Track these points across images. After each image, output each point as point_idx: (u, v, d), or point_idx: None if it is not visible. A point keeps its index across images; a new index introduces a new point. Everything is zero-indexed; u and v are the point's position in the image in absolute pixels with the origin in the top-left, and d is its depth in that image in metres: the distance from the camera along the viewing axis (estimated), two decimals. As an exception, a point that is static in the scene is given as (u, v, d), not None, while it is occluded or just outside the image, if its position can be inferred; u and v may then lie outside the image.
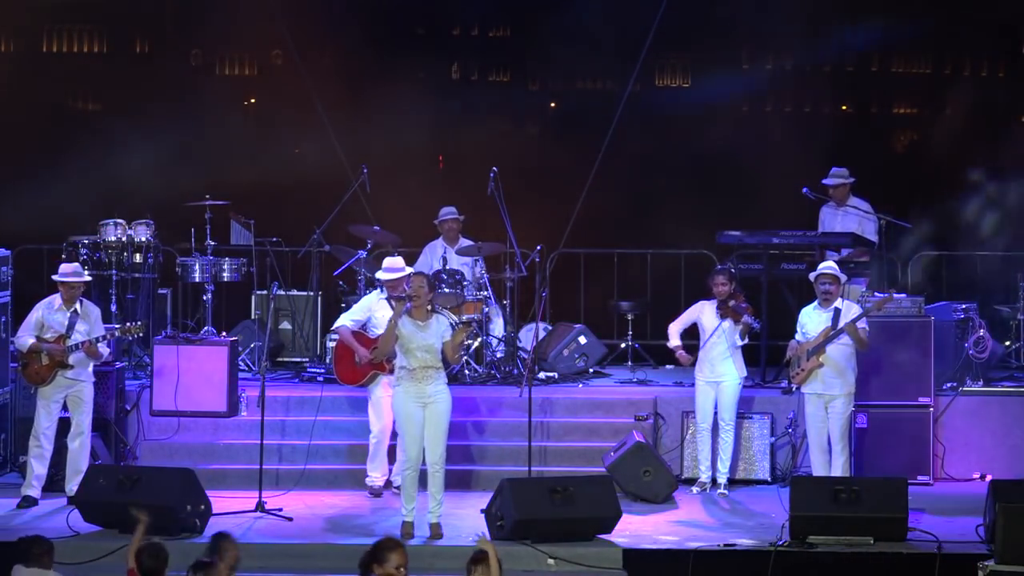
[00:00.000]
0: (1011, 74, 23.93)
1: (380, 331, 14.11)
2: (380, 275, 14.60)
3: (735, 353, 14.85)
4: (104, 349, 14.55)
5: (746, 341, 14.96)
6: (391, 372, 13.90)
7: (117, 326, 15.00)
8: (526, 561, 12.85)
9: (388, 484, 14.81)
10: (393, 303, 13.59)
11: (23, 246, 17.25)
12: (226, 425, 15.67)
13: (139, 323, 14.91)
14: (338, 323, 14.91)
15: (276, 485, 14.72)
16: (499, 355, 16.95)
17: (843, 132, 23.16)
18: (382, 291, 14.64)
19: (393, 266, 14.48)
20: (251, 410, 15.33)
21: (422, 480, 13.41)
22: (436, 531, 13.33)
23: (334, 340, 17.04)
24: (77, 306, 14.39)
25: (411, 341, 13.20)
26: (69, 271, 14.47)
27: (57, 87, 24.25)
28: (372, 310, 14.66)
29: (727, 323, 14.75)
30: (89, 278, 14.88)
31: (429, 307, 13.27)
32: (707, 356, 14.92)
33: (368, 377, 14.68)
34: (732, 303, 14.75)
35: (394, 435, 14.37)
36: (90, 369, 14.48)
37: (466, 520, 13.68)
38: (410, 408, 13.27)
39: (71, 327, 14.29)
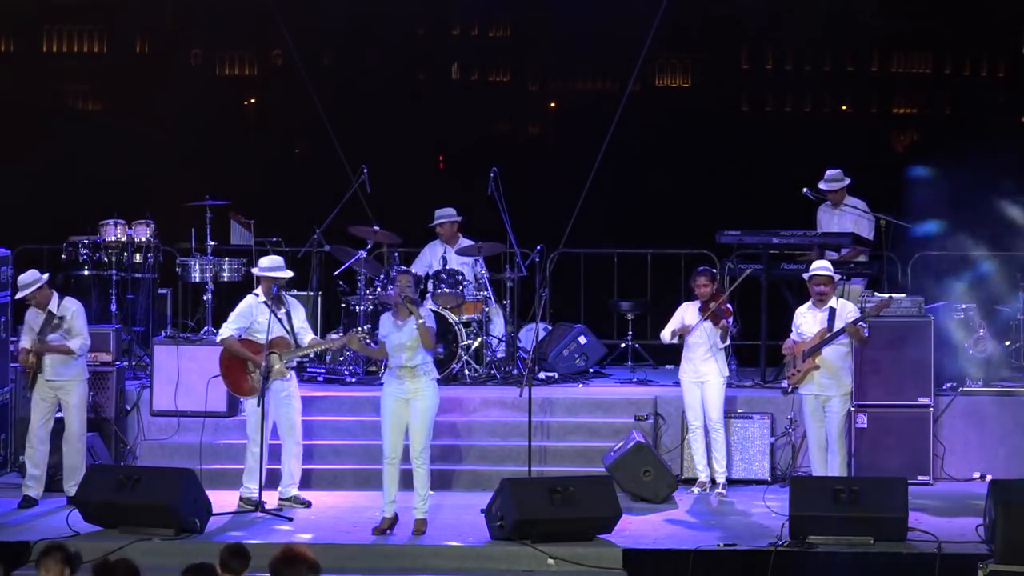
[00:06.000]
0: (1011, 74, 23.96)
1: (262, 336, 14.04)
2: (262, 273, 14.31)
3: (717, 353, 14.83)
4: (74, 344, 14.37)
5: (728, 343, 14.96)
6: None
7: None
8: (526, 561, 12.85)
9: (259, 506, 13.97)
10: (405, 305, 13.41)
11: (23, 246, 17.24)
12: (226, 425, 15.66)
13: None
14: (222, 334, 14.36)
15: (276, 485, 14.70)
16: (499, 355, 16.94)
17: (843, 132, 23.19)
18: (257, 294, 14.34)
19: (276, 264, 14.35)
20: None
21: (406, 478, 13.43)
22: (419, 527, 13.30)
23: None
24: (52, 307, 14.35)
25: (390, 340, 13.32)
26: (24, 281, 14.22)
27: (57, 87, 24.29)
28: (253, 315, 14.25)
29: (708, 323, 14.74)
30: (42, 277, 14.37)
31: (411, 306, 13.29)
32: (690, 356, 14.92)
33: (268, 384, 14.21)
34: (713, 305, 14.72)
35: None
36: (75, 369, 14.34)
37: (466, 520, 13.68)
38: (389, 403, 13.36)
39: (44, 329, 14.27)
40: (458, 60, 25.15)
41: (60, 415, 14.47)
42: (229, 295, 17.20)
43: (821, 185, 16.98)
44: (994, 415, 15.63)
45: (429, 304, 16.64)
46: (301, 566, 8.58)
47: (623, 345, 17.89)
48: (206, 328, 16.61)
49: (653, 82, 24.67)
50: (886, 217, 16.72)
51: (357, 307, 16.79)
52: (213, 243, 17.25)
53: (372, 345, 13.98)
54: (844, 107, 25.22)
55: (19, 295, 14.37)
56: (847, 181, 17.00)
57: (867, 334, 14.45)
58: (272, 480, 14.31)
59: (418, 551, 13.01)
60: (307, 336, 14.31)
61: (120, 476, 13.42)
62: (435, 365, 16.21)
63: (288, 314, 14.27)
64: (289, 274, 14.52)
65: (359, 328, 14.67)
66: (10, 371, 15.45)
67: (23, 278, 14.39)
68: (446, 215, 17.45)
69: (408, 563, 12.94)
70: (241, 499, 14.12)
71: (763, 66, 24.93)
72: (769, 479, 15.29)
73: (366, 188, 17.42)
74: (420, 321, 13.19)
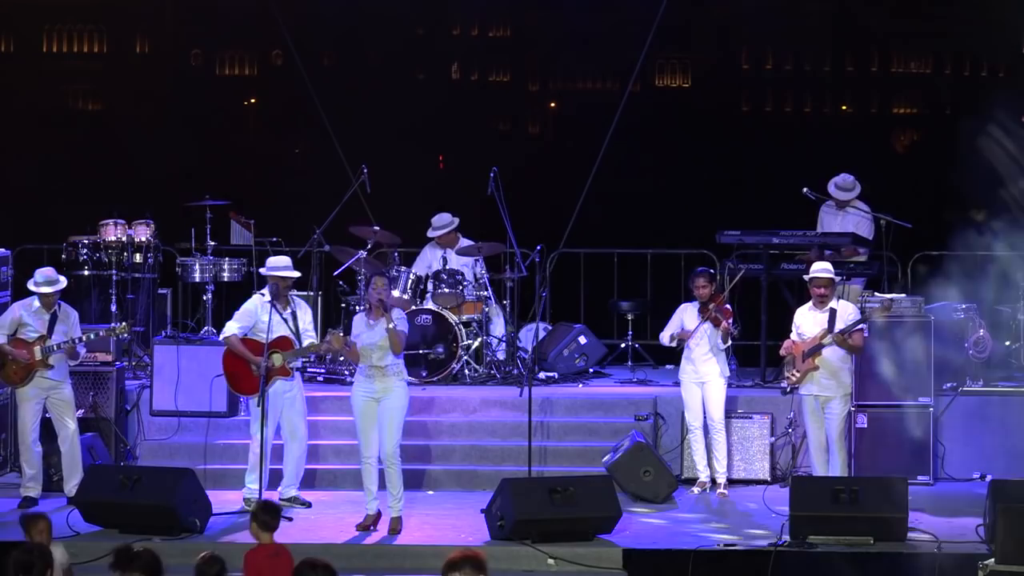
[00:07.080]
0: (1011, 74, 23.96)
1: (265, 336, 13.93)
2: (269, 272, 14.20)
3: (718, 354, 14.83)
4: (80, 349, 14.47)
5: (729, 344, 14.95)
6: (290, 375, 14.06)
7: (104, 327, 14.96)
8: (526, 561, 12.86)
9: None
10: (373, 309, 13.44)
11: (23, 246, 17.25)
12: (226, 425, 15.66)
13: (124, 323, 14.82)
14: (224, 333, 14.25)
15: (276, 485, 14.70)
16: (499, 355, 16.94)
17: (843, 132, 23.18)
18: (263, 293, 14.23)
19: (283, 264, 14.23)
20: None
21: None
22: (394, 525, 13.35)
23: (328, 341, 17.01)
24: (56, 308, 14.35)
25: (361, 340, 13.34)
26: (49, 278, 14.23)
27: (57, 87, 24.31)
28: (258, 314, 14.11)
29: (708, 325, 14.73)
30: (64, 282, 14.53)
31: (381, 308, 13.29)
32: (690, 357, 14.92)
33: (270, 383, 14.08)
34: (712, 306, 14.71)
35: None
36: (66, 369, 14.39)
37: (466, 520, 13.69)
38: (360, 403, 13.40)
39: (52, 328, 14.26)
40: (458, 60, 25.16)
41: (44, 415, 14.46)
42: (229, 295, 17.23)
43: (833, 192, 16.91)
44: (994, 415, 15.63)
45: (429, 304, 16.66)
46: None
47: (623, 345, 17.89)
48: (206, 328, 16.62)
49: (653, 82, 24.67)
50: (886, 217, 16.71)
51: (357, 307, 16.78)
52: (213, 243, 17.25)
53: (348, 346, 13.84)
54: (844, 107, 25.23)
55: (48, 290, 14.22)
56: (859, 189, 16.93)
57: (867, 335, 14.44)
58: (274, 480, 14.31)
59: (418, 551, 13.01)
60: (307, 340, 14.25)
61: (120, 476, 13.43)
62: (435, 365, 16.28)
63: (294, 314, 14.25)
64: (296, 274, 14.47)
65: (339, 329, 14.59)
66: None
67: (47, 274, 14.28)
68: (442, 225, 17.35)
69: (408, 563, 12.94)
70: (244, 499, 14.11)
71: (763, 66, 24.95)
72: (769, 479, 15.29)
73: (366, 188, 17.42)
74: (391, 325, 13.20)
